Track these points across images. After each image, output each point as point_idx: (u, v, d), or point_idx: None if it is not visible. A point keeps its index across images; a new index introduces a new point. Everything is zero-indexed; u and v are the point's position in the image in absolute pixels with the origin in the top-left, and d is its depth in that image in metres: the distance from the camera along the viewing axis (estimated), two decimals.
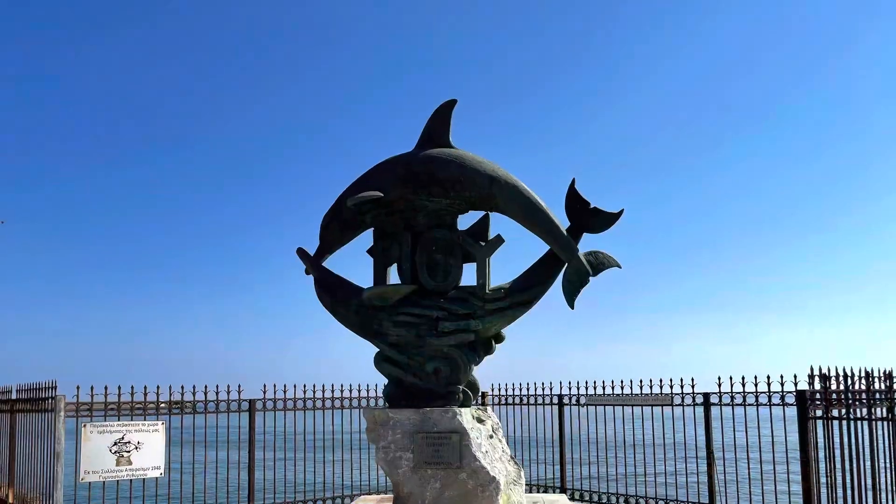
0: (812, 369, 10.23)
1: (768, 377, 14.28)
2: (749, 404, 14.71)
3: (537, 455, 18.93)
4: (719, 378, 15.12)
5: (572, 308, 12.88)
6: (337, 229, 13.61)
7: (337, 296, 13.32)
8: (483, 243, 13.10)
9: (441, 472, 12.36)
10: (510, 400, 19.72)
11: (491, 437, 13.26)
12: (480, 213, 13.37)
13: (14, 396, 17.57)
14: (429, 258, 13.02)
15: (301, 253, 13.58)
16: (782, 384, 14.00)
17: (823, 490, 10.40)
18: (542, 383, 19.04)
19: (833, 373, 10.25)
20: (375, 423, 12.99)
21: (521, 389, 19.53)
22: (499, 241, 13.09)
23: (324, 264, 13.71)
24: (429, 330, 12.80)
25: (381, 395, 14.18)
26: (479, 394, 13.99)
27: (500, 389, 19.96)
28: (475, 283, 12.93)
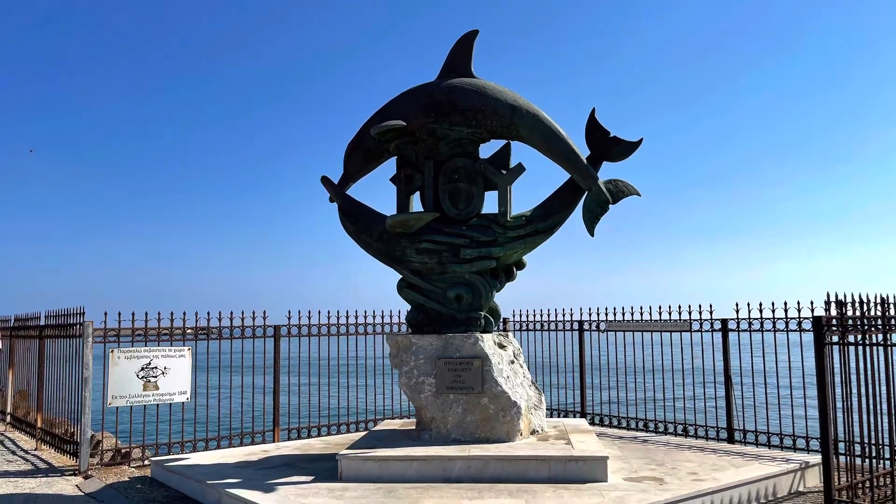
0: (829, 295, 10.32)
1: (785, 303, 14.40)
2: (766, 330, 14.79)
3: (558, 380, 19.09)
4: (737, 304, 15.20)
5: (592, 235, 13.02)
6: (360, 158, 13.75)
7: (360, 223, 13.47)
8: (504, 171, 13.22)
9: (463, 397, 12.58)
10: (531, 326, 19.86)
11: (512, 362, 13.46)
12: (502, 142, 13.47)
13: (42, 322, 17.80)
14: (451, 186, 13.16)
15: (325, 181, 13.70)
16: (799, 310, 14.12)
17: (839, 414, 10.53)
18: (563, 309, 19.16)
19: (849, 299, 10.36)
20: (398, 348, 13.20)
21: (541, 315, 19.68)
22: (520, 169, 13.21)
23: (348, 192, 13.86)
24: (451, 257, 12.96)
25: (405, 322, 14.35)
26: (501, 320, 14.15)
27: (521, 315, 20.09)
28: (497, 211, 13.07)
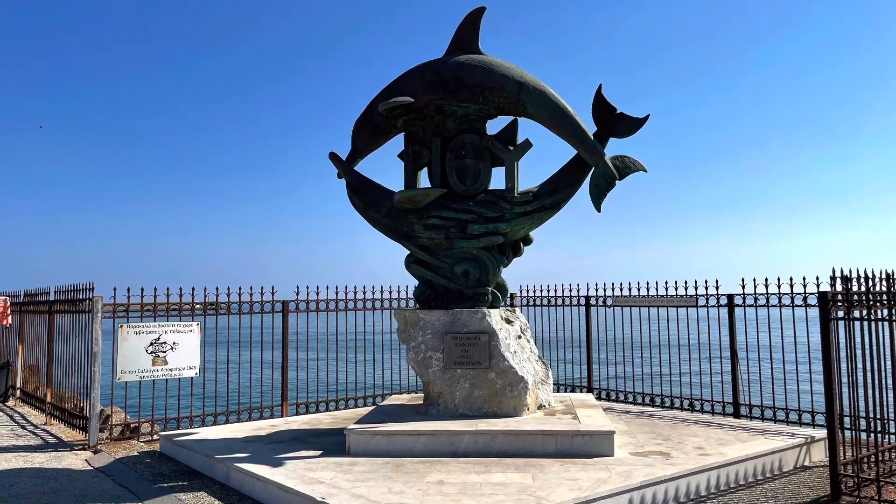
0: (834, 271, 10.34)
1: (791, 279, 14.43)
2: (772, 305, 14.83)
3: (565, 355, 19.14)
4: (743, 280, 15.22)
5: (599, 211, 13.07)
6: (368, 134, 13.80)
7: (368, 199, 13.53)
8: (511, 147, 13.26)
9: (470, 372, 12.66)
10: (538, 301, 19.88)
11: (519, 337, 13.52)
12: (509, 119, 13.51)
13: (52, 298, 17.88)
14: (458, 162, 13.22)
15: (333, 157, 13.75)
16: (805, 285, 14.12)
17: (845, 389, 10.56)
18: (570, 285, 19.23)
19: (855, 274, 10.38)
20: (406, 323, 13.27)
21: (548, 291, 19.72)
22: (527, 145, 13.25)
23: (356, 168, 13.90)
24: (458, 233, 13.03)
25: (412, 297, 14.42)
26: (508, 295, 14.22)
27: (528, 291, 20.12)
28: (504, 187, 13.12)
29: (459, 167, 13.22)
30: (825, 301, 10.40)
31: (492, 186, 13.36)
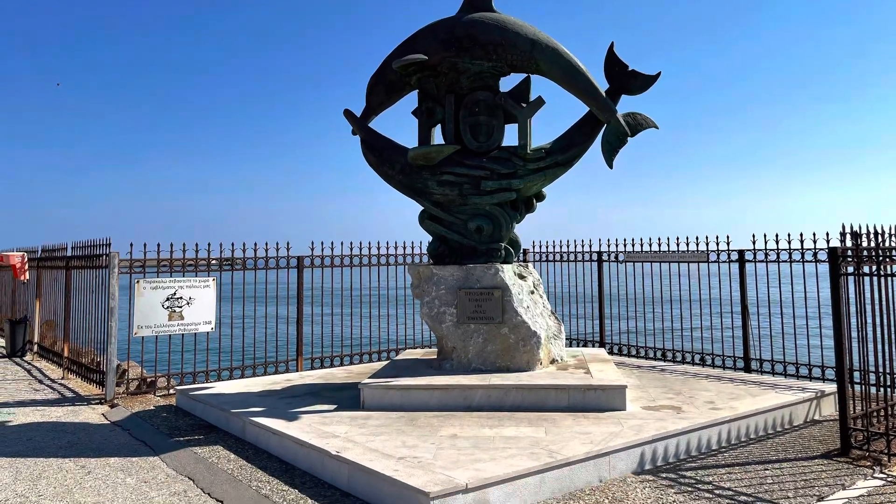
0: (844, 227, 10.39)
1: (801, 234, 14.50)
2: (783, 261, 14.89)
3: (577, 310, 19.25)
4: (753, 235, 15.24)
5: (611, 167, 13.11)
6: (382, 91, 13.83)
7: (382, 156, 13.59)
8: (524, 105, 13.28)
9: (484, 327, 12.76)
10: (550, 257, 19.97)
11: (532, 292, 13.61)
12: (522, 76, 13.52)
13: (69, 254, 18.01)
14: (472, 119, 13.26)
15: (348, 114, 13.79)
16: (815, 241, 14.19)
17: (854, 344, 10.62)
18: (582, 240, 19.27)
19: (864, 230, 10.42)
20: (420, 278, 13.36)
21: (561, 246, 19.79)
22: (540, 102, 13.28)
23: (370, 125, 13.94)
24: (472, 189, 13.09)
25: (426, 253, 14.48)
26: (521, 251, 14.29)
27: (540, 246, 20.20)
28: (517, 144, 13.17)
29: (473, 124, 13.27)
30: (835, 256, 10.45)
31: (505, 143, 13.42)
